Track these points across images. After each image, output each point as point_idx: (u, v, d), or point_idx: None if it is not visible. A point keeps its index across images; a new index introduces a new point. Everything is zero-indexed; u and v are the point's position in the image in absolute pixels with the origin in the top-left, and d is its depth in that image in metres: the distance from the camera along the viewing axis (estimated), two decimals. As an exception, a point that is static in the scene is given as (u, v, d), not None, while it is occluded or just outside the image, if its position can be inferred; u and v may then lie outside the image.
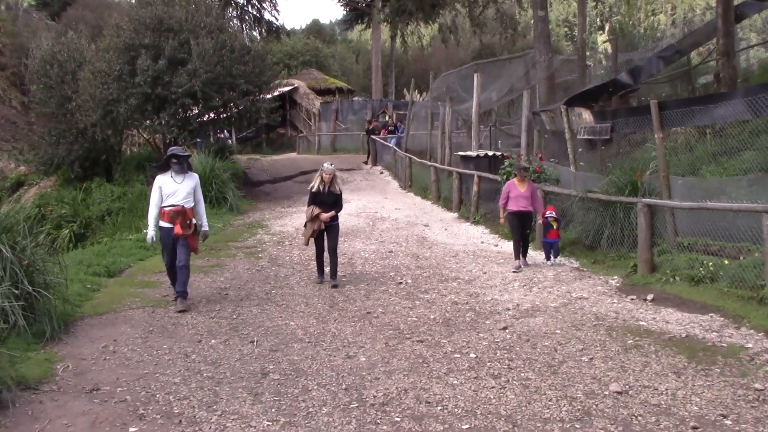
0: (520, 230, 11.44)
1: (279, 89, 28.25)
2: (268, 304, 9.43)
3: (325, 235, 10.47)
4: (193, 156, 20.98)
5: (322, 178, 10.42)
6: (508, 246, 13.11)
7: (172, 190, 9.10)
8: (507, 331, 7.89)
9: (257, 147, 43.00)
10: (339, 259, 11.11)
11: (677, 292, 9.04)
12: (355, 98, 47.15)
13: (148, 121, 22.10)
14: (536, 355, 6.98)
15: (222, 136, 31.34)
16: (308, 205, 10.47)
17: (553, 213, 11.70)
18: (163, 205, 9.07)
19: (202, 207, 9.53)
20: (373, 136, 32.91)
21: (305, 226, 10.50)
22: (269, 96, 24.62)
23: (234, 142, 36.91)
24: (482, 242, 13.92)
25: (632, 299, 9.08)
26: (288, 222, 17.14)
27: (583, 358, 6.82)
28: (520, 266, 11.27)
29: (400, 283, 10.58)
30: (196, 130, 23.19)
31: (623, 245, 11.01)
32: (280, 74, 29.36)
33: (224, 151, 23.98)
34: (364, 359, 7.04)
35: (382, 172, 29.14)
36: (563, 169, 14.40)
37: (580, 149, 14.56)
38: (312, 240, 10.51)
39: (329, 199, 10.36)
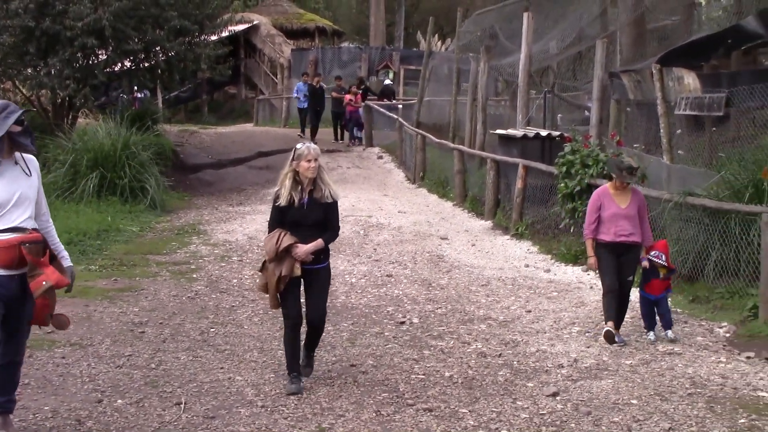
0: (620, 274, 9.85)
1: (229, 28, 28.26)
2: (203, 348, 9.51)
3: (302, 287, 8.37)
4: (99, 123, 21.07)
5: (294, 175, 8.15)
6: (566, 273, 13.23)
7: (3, 196, 6.35)
8: (558, 398, 7.99)
9: (195, 113, 43.22)
10: None
11: (818, 348, 9.14)
12: (345, 44, 47.37)
13: (29, 70, 22.00)
14: (601, 436, 7.08)
15: (142, 95, 31.43)
16: (269, 229, 8.32)
17: (664, 257, 9.96)
18: None
19: (48, 219, 6.92)
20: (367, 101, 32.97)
21: (262, 269, 8.36)
22: (214, 38, 24.65)
23: (161, 104, 37.02)
24: (527, 266, 14.04)
25: (748, 357, 9.17)
26: (238, 227, 17.25)
27: (671, 443, 6.92)
28: (619, 335, 9.75)
29: (402, 322, 10.69)
30: (104, 85, 23.19)
31: (738, 276, 11.10)
32: (233, 5, 29.43)
33: (145, 118, 23.95)
34: None
35: (380, 157, 29.28)
36: (652, 159, 14.50)
37: (679, 131, 14.66)
38: (280, 297, 8.24)
39: (312, 217, 8.16)
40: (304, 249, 7.96)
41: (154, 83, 28.12)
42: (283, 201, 8.04)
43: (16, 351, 6.53)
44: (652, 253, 9.91)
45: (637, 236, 9.79)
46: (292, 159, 8.08)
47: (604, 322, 9.83)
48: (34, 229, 6.40)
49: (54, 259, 6.53)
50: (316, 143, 9.37)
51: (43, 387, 8.14)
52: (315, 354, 8.68)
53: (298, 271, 7.97)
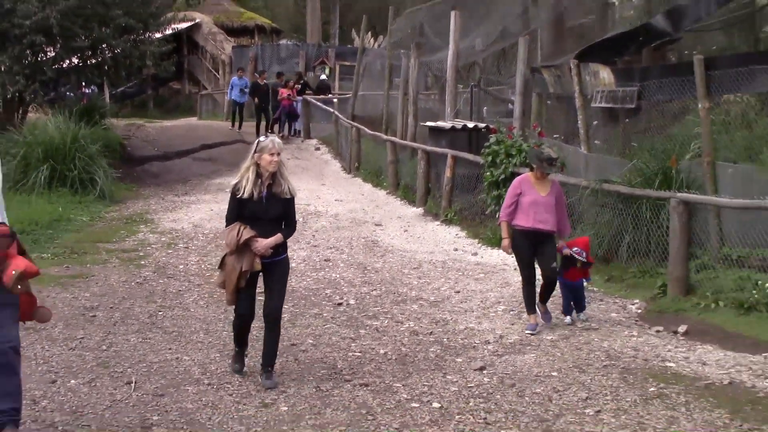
0: (533, 261, 9.75)
1: (173, 26, 28.05)
2: (152, 330, 9.50)
3: (259, 281, 7.94)
4: (48, 118, 20.83)
5: (256, 167, 7.63)
6: (491, 255, 13.37)
7: None
8: (485, 372, 8.11)
9: (141, 108, 42.83)
10: None
11: (720, 322, 9.35)
12: (283, 41, 47.16)
13: (-23, 67, 21.78)
14: (523, 406, 7.21)
15: (90, 91, 31.09)
16: (227, 222, 7.78)
17: (584, 255, 9.79)
18: None
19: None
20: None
21: (222, 264, 7.89)
22: (159, 35, 24.47)
23: (108, 100, 36.65)
24: (456, 249, 14.15)
25: (658, 331, 9.38)
26: (183, 216, 17.18)
27: (588, 411, 7.07)
28: (537, 325, 9.57)
29: (340, 304, 10.75)
30: (53, 81, 22.95)
31: (649, 257, 11.31)
32: (175, 4, 29.21)
33: (93, 113, 23.74)
34: (285, 408, 7.20)
35: (318, 148, 29.25)
36: (570, 149, 14.67)
37: (596, 122, 14.82)
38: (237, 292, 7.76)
39: (271, 211, 7.70)
40: (264, 243, 7.50)
41: (102, 79, 27.83)
42: (245, 193, 7.49)
43: (11, 338, 6.06)
44: (574, 249, 9.71)
45: (552, 225, 9.53)
46: (254, 152, 7.56)
47: (527, 314, 9.67)
48: (2, 223, 6.07)
49: (24, 252, 6.22)
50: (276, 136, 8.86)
51: None
52: (274, 381, 7.80)
53: (258, 266, 7.52)
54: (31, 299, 6.26)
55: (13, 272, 5.89)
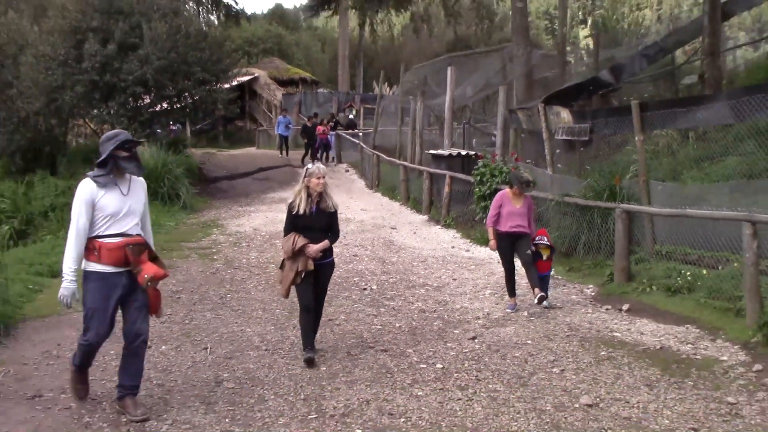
0: (513, 257, 9.70)
1: (238, 79, 28.27)
2: (222, 308, 9.52)
3: (312, 280, 7.48)
4: (145, 149, 20.96)
5: (307, 189, 7.42)
6: (481, 252, 13.34)
7: (116, 207, 5.90)
8: (476, 341, 8.09)
9: (213, 140, 42.87)
10: None
11: (653, 302, 9.32)
12: (320, 90, 47.28)
13: (95, 111, 21.99)
14: (505, 367, 7.18)
15: (176, 128, 31.24)
16: (285, 233, 7.48)
17: (546, 239, 9.77)
18: (97, 234, 5.86)
19: (149, 229, 6.52)
20: (340, 131, 33.02)
21: (281, 266, 7.56)
22: (227, 86, 24.64)
23: (189, 134, 36.81)
24: (453, 247, 14.12)
25: (607, 309, 9.34)
26: (245, 222, 17.19)
27: (554, 370, 7.03)
28: (515, 305, 9.61)
29: (365, 289, 10.73)
30: (148, 121, 23.13)
31: (600, 253, 11.28)
32: (239, 62, 29.28)
33: (178, 144, 23.92)
34: (324, 368, 7.18)
35: (347, 170, 29.29)
36: (540, 170, 14.64)
37: (558, 150, 14.83)
38: (293, 288, 7.47)
39: (319, 223, 7.43)
40: (314, 248, 7.25)
41: (184, 119, 28.06)
42: (300, 210, 7.29)
43: (141, 330, 6.07)
44: (537, 237, 9.66)
45: (526, 228, 9.51)
46: (305, 176, 7.39)
47: (509, 297, 9.67)
48: (138, 235, 6.00)
49: (156, 259, 6.17)
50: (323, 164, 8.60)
51: (109, 337, 8.09)
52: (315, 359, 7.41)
53: (311, 266, 7.26)
54: (158, 299, 6.25)
55: (145, 276, 5.87)
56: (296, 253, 7.26)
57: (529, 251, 9.50)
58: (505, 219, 9.51)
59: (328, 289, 8.07)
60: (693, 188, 10.66)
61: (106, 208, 5.82)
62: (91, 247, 5.81)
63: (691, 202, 10.04)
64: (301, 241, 7.25)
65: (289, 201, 7.49)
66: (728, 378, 6.68)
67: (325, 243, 7.39)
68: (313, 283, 7.41)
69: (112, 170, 5.91)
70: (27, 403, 6.11)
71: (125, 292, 5.92)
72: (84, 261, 5.84)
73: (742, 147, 10.79)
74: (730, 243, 8.93)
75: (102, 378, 6.77)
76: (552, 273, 10.37)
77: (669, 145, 12.87)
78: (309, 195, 7.37)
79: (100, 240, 5.80)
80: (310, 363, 7.26)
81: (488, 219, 9.79)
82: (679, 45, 19.75)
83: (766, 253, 8.28)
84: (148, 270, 5.93)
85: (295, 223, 7.35)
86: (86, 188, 5.82)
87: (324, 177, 7.43)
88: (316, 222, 7.37)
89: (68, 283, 5.75)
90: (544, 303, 9.44)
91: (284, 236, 7.44)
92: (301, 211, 7.30)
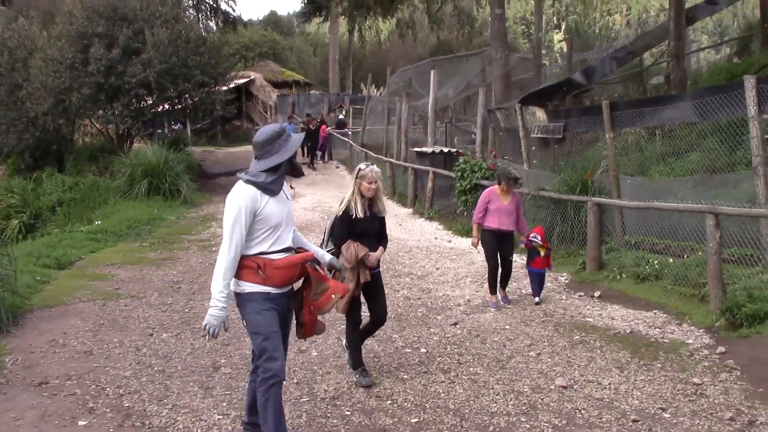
0: (499, 255, 9.05)
1: (235, 81, 28.24)
2: (220, 298, 9.40)
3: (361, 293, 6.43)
4: (148, 147, 20.91)
5: (360, 191, 6.24)
6: (462, 242, 13.28)
7: (278, 218, 4.64)
8: (458, 326, 8.03)
9: (212, 139, 42.64)
10: None
11: (623, 289, 9.29)
12: (312, 91, 47.06)
13: (101, 111, 22.07)
14: (485, 351, 7.13)
15: (176, 127, 31.06)
16: (340, 240, 6.27)
17: (539, 238, 9.15)
18: (259, 251, 4.59)
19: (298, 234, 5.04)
20: (334, 130, 32.94)
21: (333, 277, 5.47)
22: (225, 88, 24.64)
23: (189, 133, 36.59)
24: (436, 238, 14.06)
25: (580, 296, 9.31)
26: (242, 215, 17.06)
27: (531, 354, 6.99)
28: (498, 302, 8.97)
29: (354, 278, 10.63)
30: (150, 121, 23.05)
31: (573, 243, 11.25)
32: (237, 66, 29.14)
33: (179, 142, 23.87)
34: (315, 354, 7.12)
35: (338, 167, 29.18)
36: (517, 166, 14.55)
37: (534, 147, 14.79)
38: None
39: (373, 228, 6.39)
40: (375, 256, 6.27)
41: (185, 119, 27.91)
42: (358, 214, 6.16)
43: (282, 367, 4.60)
44: (531, 235, 9.15)
45: (513, 226, 8.96)
46: (356, 177, 6.23)
47: (490, 294, 9.03)
48: (299, 248, 4.81)
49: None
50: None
51: (113, 326, 8.02)
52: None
53: (369, 277, 6.27)
54: (314, 318, 4.98)
55: (333, 296, 4.78)
56: (356, 263, 6.19)
57: (510, 257, 9.14)
58: (492, 216, 8.94)
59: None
60: (660, 182, 10.64)
61: (271, 218, 4.55)
62: (249, 265, 4.57)
63: (658, 195, 10.02)
64: (361, 249, 6.20)
65: (342, 207, 6.32)
66: (693, 360, 6.65)
67: (382, 250, 6.46)
68: (372, 296, 6.45)
69: (282, 175, 4.71)
70: (34, 390, 6.01)
71: (284, 315, 4.77)
72: (235, 281, 4.70)
73: (705, 143, 10.77)
74: (694, 233, 8.92)
75: (106, 365, 6.68)
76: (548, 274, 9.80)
77: (637, 142, 12.82)
78: (363, 197, 6.22)
79: (265, 257, 4.55)
80: (369, 387, 6.22)
81: (475, 215, 9.17)
82: (647, 48, 19.75)
83: (728, 243, 8.29)
84: (336, 288, 4.83)
85: (351, 229, 6.24)
86: (247, 195, 4.58)
87: (377, 182, 6.24)
88: (370, 227, 6.31)
89: (218, 311, 4.60)
90: (536, 300, 9.08)
91: (336, 245, 6.26)
92: (360, 215, 6.19)
